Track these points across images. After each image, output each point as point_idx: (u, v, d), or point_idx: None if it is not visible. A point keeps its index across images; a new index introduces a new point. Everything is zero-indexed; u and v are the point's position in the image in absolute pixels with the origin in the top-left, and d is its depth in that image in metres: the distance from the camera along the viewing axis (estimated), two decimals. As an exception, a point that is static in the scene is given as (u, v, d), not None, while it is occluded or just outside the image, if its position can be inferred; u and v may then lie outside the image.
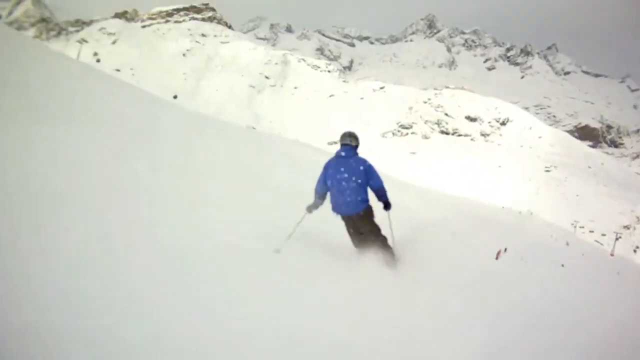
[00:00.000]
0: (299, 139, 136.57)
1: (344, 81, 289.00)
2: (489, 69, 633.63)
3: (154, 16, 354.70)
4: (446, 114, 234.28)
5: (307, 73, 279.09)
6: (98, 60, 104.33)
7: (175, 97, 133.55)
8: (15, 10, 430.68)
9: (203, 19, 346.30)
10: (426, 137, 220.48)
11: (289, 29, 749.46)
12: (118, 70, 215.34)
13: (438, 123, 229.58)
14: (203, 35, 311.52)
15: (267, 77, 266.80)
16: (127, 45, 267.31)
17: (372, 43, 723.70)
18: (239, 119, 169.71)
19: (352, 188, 8.30)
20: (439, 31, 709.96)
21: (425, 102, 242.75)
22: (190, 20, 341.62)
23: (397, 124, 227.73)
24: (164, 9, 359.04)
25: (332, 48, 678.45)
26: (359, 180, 8.31)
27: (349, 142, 8.68)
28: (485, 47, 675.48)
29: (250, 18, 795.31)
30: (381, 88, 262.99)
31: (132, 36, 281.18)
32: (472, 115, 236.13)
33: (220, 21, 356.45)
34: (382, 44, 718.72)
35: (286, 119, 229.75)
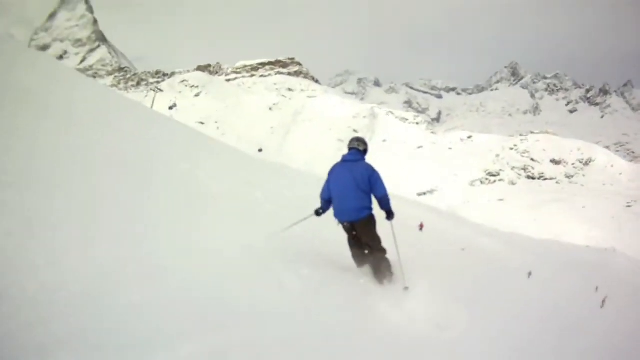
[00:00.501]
0: (389, 190, 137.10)
1: (432, 132, 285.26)
2: (571, 112, 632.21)
3: (238, 70, 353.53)
4: (532, 159, 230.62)
5: (396, 126, 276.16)
6: (171, 108, 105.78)
7: (260, 150, 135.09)
8: (90, 57, 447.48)
9: (289, 74, 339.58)
10: (513, 183, 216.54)
11: (377, 83, 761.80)
12: (202, 123, 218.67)
13: (524, 169, 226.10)
14: (290, 89, 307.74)
15: (355, 131, 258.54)
16: (211, 98, 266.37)
17: (459, 94, 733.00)
18: (326, 170, 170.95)
19: (355, 194, 7.90)
20: (522, 78, 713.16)
21: (511, 149, 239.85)
22: (276, 74, 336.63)
23: (485, 171, 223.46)
24: (249, 63, 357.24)
25: (420, 100, 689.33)
26: (363, 187, 7.91)
27: (357, 145, 8.49)
28: (567, 90, 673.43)
29: (338, 73, 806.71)
30: (469, 137, 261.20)
31: (216, 89, 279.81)
32: (557, 159, 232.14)
33: (306, 76, 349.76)
34: (469, 94, 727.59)
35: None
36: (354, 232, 8.08)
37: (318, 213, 8.46)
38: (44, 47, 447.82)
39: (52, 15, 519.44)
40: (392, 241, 8.25)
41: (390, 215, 8.19)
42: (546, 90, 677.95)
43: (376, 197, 8.00)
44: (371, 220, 7.96)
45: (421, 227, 35.73)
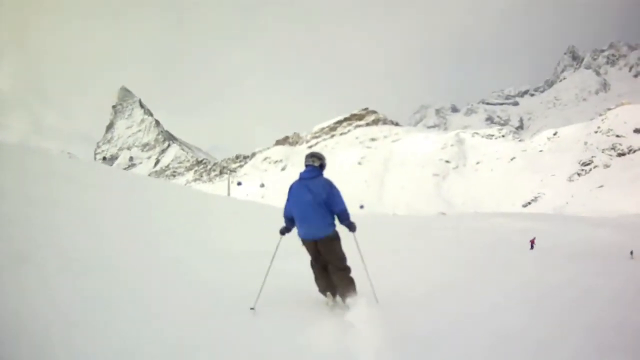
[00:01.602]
0: (495, 209, 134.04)
1: (520, 140, 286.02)
2: (635, 76, 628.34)
3: (317, 134, 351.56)
4: (617, 136, 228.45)
5: (484, 145, 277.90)
6: (239, 183, 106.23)
7: (361, 207, 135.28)
8: (163, 158, 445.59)
9: (367, 124, 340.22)
10: (607, 166, 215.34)
11: (454, 109, 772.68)
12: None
13: (614, 147, 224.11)
14: (372, 139, 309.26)
15: (447, 162, 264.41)
16: (298, 168, 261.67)
17: (532, 95, 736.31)
18: (431, 209, 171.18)
19: (316, 211, 7.55)
20: (583, 59, 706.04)
21: (595, 132, 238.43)
22: (355, 128, 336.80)
23: (579, 162, 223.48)
24: (325, 124, 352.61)
25: (499, 113, 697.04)
26: (322, 203, 7.57)
27: (312, 162, 8.09)
28: (625, 56, 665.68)
29: (415, 109, 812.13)
30: (554, 134, 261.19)
31: (301, 158, 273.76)
32: (639, 127, 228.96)
33: (385, 121, 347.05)
34: (541, 92, 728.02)
35: (476, 194, 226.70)
36: (316, 250, 7.83)
37: (282, 232, 8.26)
38: (112, 158, 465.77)
39: (109, 127, 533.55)
40: (358, 257, 8.09)
41: (351, 227, 7.88)
42: (607, 63, 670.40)
43: (335, 212, 7.68)
44: (335, 237, 7.71)
45: (532, 243, 34.35)
